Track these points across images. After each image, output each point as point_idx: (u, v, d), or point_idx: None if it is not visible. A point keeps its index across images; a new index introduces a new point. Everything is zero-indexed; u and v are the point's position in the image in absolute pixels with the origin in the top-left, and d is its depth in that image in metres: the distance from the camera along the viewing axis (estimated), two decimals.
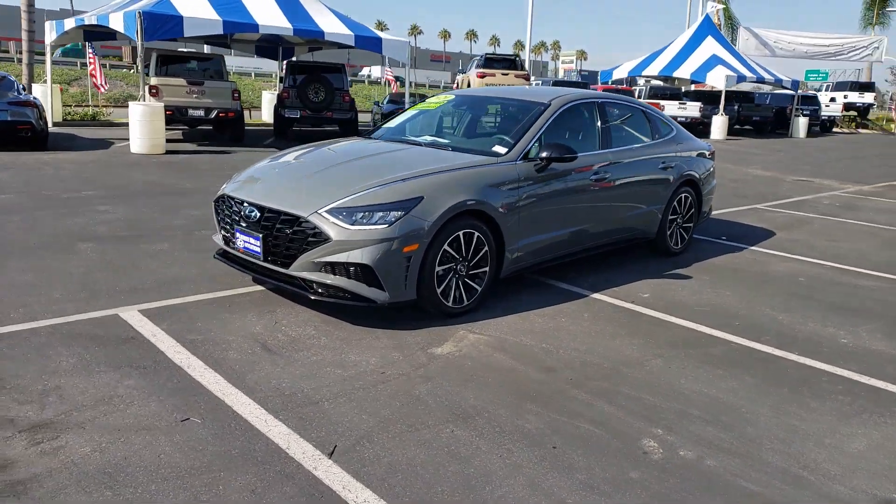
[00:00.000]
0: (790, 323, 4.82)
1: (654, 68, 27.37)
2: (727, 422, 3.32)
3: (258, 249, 4.37)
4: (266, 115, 22.39)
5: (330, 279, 4.16)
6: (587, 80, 32.56)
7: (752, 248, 7.14)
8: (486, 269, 4.62)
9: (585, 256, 5.69)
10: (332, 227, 4.08)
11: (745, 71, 25.88)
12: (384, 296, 4.16)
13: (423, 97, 21.82)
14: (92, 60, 19.76)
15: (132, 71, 34.01)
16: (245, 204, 4.50)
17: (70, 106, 20.12)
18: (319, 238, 4.11)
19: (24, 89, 13.53)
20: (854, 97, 38.49)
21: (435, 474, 2.75)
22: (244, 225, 4.48)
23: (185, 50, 21.42)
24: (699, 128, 23.90)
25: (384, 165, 4.75)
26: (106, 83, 22.09)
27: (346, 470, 2.75)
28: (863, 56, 36.29)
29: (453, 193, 4.34)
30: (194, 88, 14.62)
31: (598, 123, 5.67)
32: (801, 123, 28.76)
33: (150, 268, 5.36)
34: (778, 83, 27.71)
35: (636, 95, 25.12)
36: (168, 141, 13.11)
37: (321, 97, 16.78)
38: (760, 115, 28.59)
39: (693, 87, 30.60)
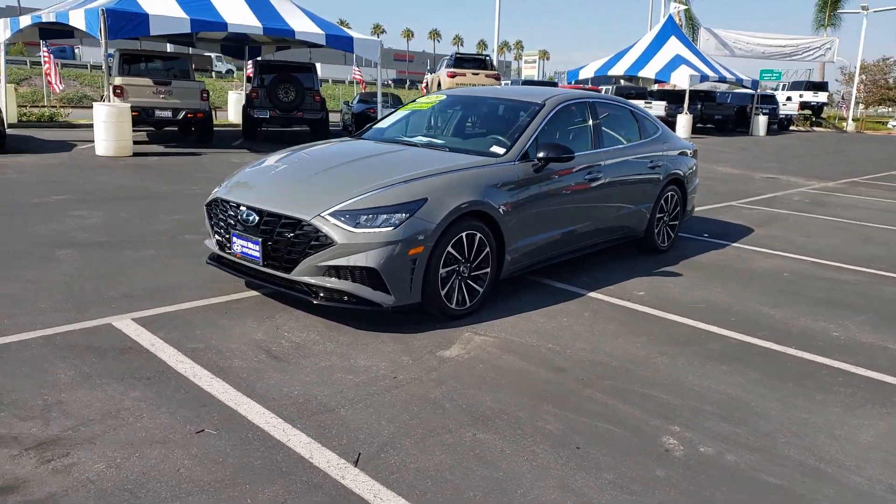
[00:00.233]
0: (782, 318, 4.91)
1: (620, 68, 27.74)
2: (740, 417, 3.36)
3: (257, 254, 4.28)
4: (233, 115, 22.04)
5: (333, 283, 4.09)
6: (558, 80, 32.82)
7: (735, 244, 7.27)
8: (488, 270, 4.61)
9: (576, 256, 5.72)
10: (337, 231, 4.01)
11: (708, 71, 26.40)
12: (390, 299, 4.11)
13: (395, 97, 21.78)
14: (47, 59, 19.18)
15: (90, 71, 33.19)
16: (242, 208, 4.40)
17: (25, 106, 19.47)
18: (323, 241, 4.04)
19: None
20: (809, 96, 39.60)
21: (464, 479, 2.72)
22: (241, 229, 4.39)
23: (149, 49, 20.92)
24: None
25: (384, 167, 4.70)
26: (61, 83, 21.48)
27: (374, 478, 2.70)
28: (816, 56, 37.34)
29: (457, 195, 4.32)
30: (161, 88, 14.28)
31: (591, 123, 5.70)
32: (761, 122, 29.49)
33: (138, 274, 5.21)
34: (739, 82, 28.36)
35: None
36: (133, 143, 12.78)
37: (291, 97, 16.57)
38: (722, 113, 29.21)
39: (656, 87, 31.13)
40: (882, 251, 7.34)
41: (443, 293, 4.32)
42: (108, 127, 12.37)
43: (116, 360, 3.66)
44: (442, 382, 3.58)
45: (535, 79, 36.48)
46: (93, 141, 12.77)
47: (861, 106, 46.80)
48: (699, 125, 28.12)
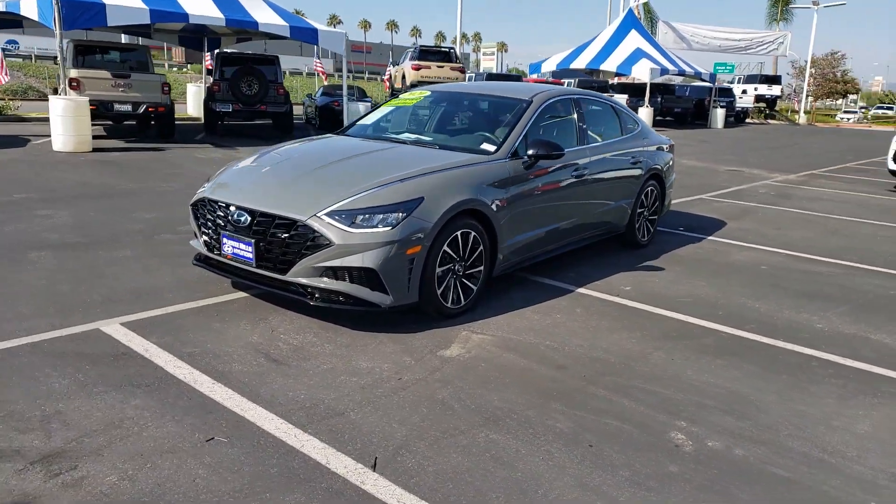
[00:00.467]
0: (767, 311, 5.04)
1: (582, 61, 28.01)
2: (741, 410, 3.44)
3: (250, 255, 4.19)
4: (192, 108, 21.55)
5: (331, 284, 4.04)
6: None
7: (710, 238, 7.42)
8: (481, 268, 4.60)
9: (561, 253, 5.76)
10: (334, 231, 3.96)
11: (668, 64, 26.85)
12: (388, 299, 4.08)
13: (360, 89, 21.54)
14: None
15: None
16: (232, 208, 4.30)
17: None
18: (320, 242, 3.98)
19: None
20: (763, 89, 40.62)
21: (484, 480, 2.72)
22: (231, 230, 4.29)
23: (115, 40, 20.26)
24: None
25: (376, 165, 4.65)
26: (7, 74, 20.69)
27: (394, 482, 2.68)
28: (770, 50, 38.34)
29: (452, 193, 4.30)
30: (120, 81, 13.85)
31: (576, 119, 5.74)
32: (719, 115, 30.14)
33: (117, 276, 5.06)
34: (698, 76, 28.91)
35: None
36: (92, 137, 12.38)
37: (255, 90, 16.28)
38: (682, 106, 29.78)
39: (616, 80, 31.52)
40: (851, 243, 7.58)
41: (439, 292, 4.30)
42: (66, 121, 11.95)
43: (111, 366, 3.55)
44: (447, 383, 3.57)
45: (494, 71, 36.54)
46: (48, 136, 12.34)
47: (810, 99, 48.17)
48: (659, 118, 28.60)
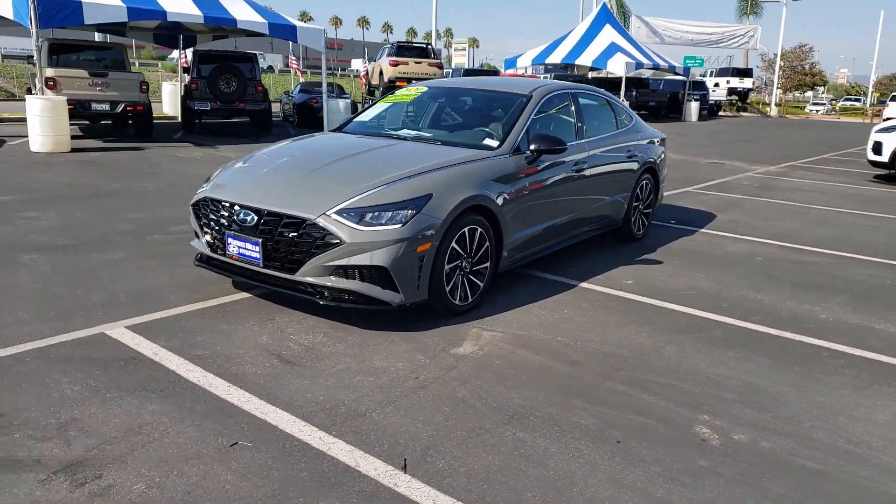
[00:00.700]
0: (770, 302, 5.08)
1: (557, 56, 28.12)
2: (761, 403, 3.46)
3: (257, 255, 4.11)
4: (168, 107, 21.21)
5: (340, 283, 3.98)
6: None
7: (703, 230, 7.48)
8: (487, 264, 4.58)
9: (561, 248, 5.75)
10: (344, 229, 3.90)
11: (642, 58, 27.06)
12: (399, 297, 4.03)
13: (339, 87, 21.36)
14: None
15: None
16: (236, 207, 4.21)
17: None
18: (329, 241, 3.92)
19: None
20: (736, 82, 41.18)
21: (518, 480, 2.70)
22: (237, 229, 4.20)
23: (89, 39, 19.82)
24: None
25: (379, 162, 4.59)
26: None
27: (427, 483, 2.64)
28: (740, 44, 38.84)
29: (460, 189, 4.26)
30: (97, 80, 13.57)
31: (574, 114, 5.73)
32: (693, 108, 30.49)
33: (114, 279, 4.94)
34: (671, 69, 29.18)
35: None
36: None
37: (233, 88, 16.09)
38: (656, 100, 30.06)
39: (591, 75, 31.70)
40: (838, 233, 7.70)
41: (447, 289, 4.27)
42: (44, 121, 11.69)
43: (121, 371, 3.46)
44: (465, 381, 3.54)
45: (466, 67, 36.44)
46: (24, 136, 12.07)
47: (779, 91, 48.93)
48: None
